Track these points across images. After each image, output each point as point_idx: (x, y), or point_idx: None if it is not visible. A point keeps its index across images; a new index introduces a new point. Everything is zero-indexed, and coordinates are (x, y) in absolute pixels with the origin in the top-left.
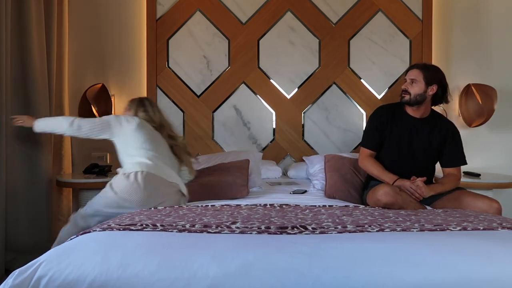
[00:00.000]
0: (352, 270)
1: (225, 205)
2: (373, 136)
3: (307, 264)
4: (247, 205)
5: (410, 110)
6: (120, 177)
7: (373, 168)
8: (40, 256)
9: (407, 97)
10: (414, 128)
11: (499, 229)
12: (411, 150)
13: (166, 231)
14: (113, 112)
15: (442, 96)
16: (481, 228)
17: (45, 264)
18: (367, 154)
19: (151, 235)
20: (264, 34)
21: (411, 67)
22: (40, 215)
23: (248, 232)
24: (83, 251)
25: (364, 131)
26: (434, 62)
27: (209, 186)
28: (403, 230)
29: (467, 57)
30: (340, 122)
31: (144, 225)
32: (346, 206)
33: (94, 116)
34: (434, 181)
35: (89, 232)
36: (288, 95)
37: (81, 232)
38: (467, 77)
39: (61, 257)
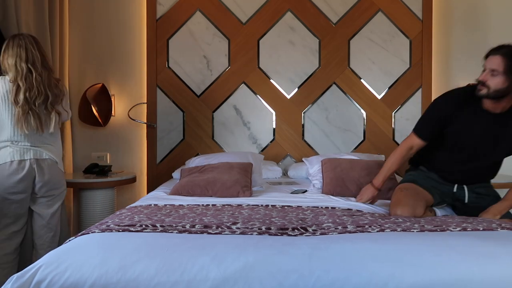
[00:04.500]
0: (352, 271)
1: (226, 204)
2: (426, 127)
3: (307, 265)
4: (249, 205)
5: (488, 103)
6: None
7: (390, 161)
8: (39, 260)
9: (484, 91)
10: (487, 125)
11: (498, 229)
12: (475, 150)
13: (166, 232)
14: (113, 112)
15: None
16: (481, 229)
17: (44, 267)
18: (411, 144)
19: (151, 236)
20: (264, 34)
21: (493, 52)
22: None
23: (249, 233)
24: (82, 253)
25: (421, 117)
26: (434, 62)
27: (212, 182)
28: (403, 230)
29: (467, 57)
30: (340, 122)
31: (143, 226)
32: (348, 209)
33: (94, 116)
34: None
35: (88, 233)
36: (288, 95)
37: (79, 234)
38: (467, 77)
39: (60, 260)
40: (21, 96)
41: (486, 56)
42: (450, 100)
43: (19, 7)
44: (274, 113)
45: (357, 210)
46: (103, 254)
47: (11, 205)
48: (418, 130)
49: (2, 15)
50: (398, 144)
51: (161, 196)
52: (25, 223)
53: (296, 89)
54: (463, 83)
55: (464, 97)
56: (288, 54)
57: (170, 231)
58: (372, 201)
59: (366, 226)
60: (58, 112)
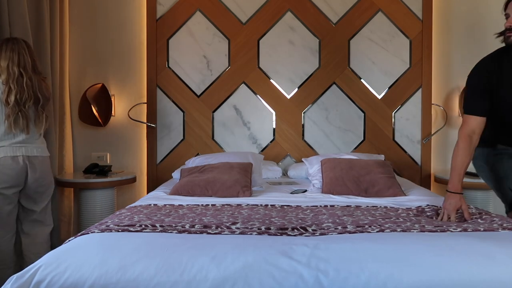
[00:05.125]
0: (352, 271)
1: (226, 204)
2: (475, 101)
3: (306, 265)
4: (248, 205)
5: None
6: None
7: (458, 157)
8: (38, 260)
9: None
10: None
11: (499, 230)
12: None
13: (166, 232)
14: (113, 112)
15: None
16: (482, 229)
17: (44, 268)
18: (470, 127)
19: (150, 236)
20: (264, 34)
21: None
22: None
23: (248, 233)
24: (82, 253)
25: (464, 98)
26: (434, 62)
27: (212, 182)
28: (403, 230)
29: (467, 57)
30: (340, 122)
31: (143, 226)
32: (347, 206)
33: (94, 116)
34: None
35: (87, 233)
36: (288, 95)
37: (79, 234)
38: (467, 77)
39: (60, 260)
40: (12, 98)
41: (506, 5)
42: (482, 65)
43: (14, 10)
44: (274, 113)
45: (356, 206)
46: (103, 254)
47: (4, 200)
48: (469, 109)
49: None
50: (398, 144)
51: (161, 196)
52: (14, 223)
53: (296, 89)
54: (463, 83)
55: (498, 57)
56: (288, 54)
57: (169, 231)
58: (459, 208)
59: (366, 226)
60: (47, 114)
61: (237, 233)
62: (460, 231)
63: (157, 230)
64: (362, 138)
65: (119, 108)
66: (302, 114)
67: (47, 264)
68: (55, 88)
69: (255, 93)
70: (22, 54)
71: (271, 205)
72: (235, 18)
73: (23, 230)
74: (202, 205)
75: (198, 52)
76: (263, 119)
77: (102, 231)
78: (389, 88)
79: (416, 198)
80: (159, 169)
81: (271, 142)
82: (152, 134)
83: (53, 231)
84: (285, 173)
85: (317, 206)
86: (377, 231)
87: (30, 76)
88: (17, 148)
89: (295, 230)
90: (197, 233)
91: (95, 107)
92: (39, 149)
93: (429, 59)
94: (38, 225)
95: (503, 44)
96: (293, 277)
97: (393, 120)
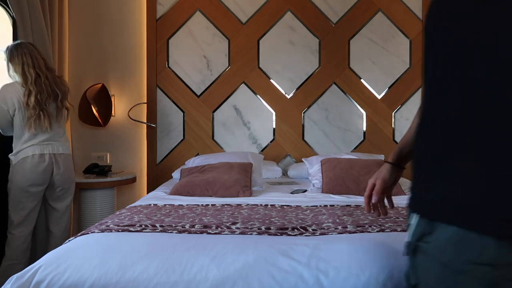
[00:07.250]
0: (352, 272)
1: (226, 204)
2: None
3: (307, 265)
4: (248, 204)
5: None
6: None
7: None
8: (38, 260)
9: None
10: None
11: None
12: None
13: (166, 232)
14: (113, 112)
15: None
16: None
17: (44, 268)
18: None
19: (150, 236)
20: (264, 34)
21: None
22: None
23: (248, 233)
24: (82, 254)
25: None
26: None
27: (212, 182)
28: (403, 230)
29: None
30: (340, 122)
31: (143, 226)
32: (347, 205)
33: (94, 116)
34: None
35: (87, 233)
36: (288, 95)
37: (79, 234)
38: None
39: (60, 261)
40: (32, 99)
41: None
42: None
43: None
44: (274, 113)
45: (356, 206)
46: (103, 255)
47: (29, 198)
48: None
49: None
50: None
51: (161, 196)
52: (35, 220)
53: (296, 89)
54: None
55: None
56: (288, 54)
57: (169, 231)
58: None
59: (366, 226)
60: (67, 107)
61: (237, 233)
62: None
63: (157, 230)
64: (362, 138)
65: (119, 108)
66: (302, 114)
67: (47, 264)
68: None
69: (255, 93)
70: (34, 55)
71: (271, 205)
72: (235, 18)
73: (50, 229)
74: (202, 205)
75: (198, 52)
76: (263, 119)
77: (102, 231)
78: (389, 88)
79: None
80: (159, 169)
81: (271, 142)
82: (152, 134)
83: None
84: (285, 173)
85: (317, 206)
86: (377, 231)
87: (46, 74)
88: (44, 146)
89: (295, 230)
90: (197, 233)
91: (95, 107)
92: (64, 147)
93: None
94: (61, 221)
95: None
96: (293, 277)
97: (393, 120)
